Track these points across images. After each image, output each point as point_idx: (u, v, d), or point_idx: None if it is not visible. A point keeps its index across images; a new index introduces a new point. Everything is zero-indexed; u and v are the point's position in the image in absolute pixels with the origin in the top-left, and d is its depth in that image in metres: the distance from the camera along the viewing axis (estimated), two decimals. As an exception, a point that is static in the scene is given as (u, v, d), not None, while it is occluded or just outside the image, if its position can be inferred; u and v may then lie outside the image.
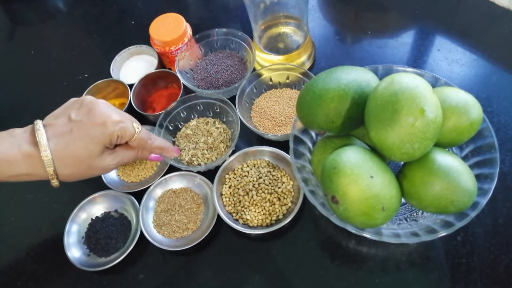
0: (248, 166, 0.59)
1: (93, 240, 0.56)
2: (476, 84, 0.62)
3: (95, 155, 0.47)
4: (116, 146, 0.50)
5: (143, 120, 0.66)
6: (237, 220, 0.55)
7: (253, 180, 0.57)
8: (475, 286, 0.47)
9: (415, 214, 0.49)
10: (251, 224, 0.54)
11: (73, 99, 0.49)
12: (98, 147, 0.46)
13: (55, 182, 0.47)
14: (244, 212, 0.55)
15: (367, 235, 0.42)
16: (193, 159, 0.60)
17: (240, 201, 0.56)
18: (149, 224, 0.56)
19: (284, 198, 0.55)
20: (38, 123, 0.46)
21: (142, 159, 0.54)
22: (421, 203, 0.42)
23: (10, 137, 0.45)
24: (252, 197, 0.55)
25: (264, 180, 0.56)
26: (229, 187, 0.57)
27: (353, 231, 0.43)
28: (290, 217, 0.52)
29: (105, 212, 0.59)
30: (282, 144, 0.59)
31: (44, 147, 0.44)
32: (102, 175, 0.60)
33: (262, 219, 0.54)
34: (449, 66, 0.64)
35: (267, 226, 0.54)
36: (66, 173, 0.47)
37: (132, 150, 0.51)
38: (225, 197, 0.57)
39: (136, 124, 0.49)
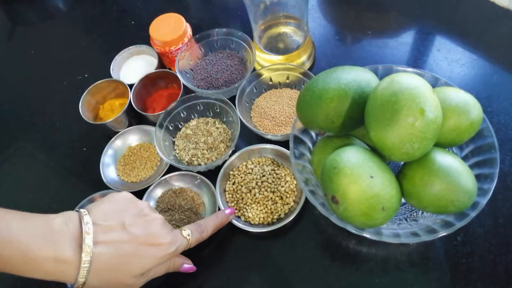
0: (252, 163, 0.59)
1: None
2: (476, 84, 0.62)
3: (133, 275, 0.41)
4: None
5: (143, 120, 0.67)
6: (238, 217, 0.55)
7: (256, 178, 0.57)
8: (475, 286, 0.47)
9: (415, 214, 0.49)
10: (252, 222, 0.54)
11: (126, 196, 0.44)
12: (144, 268, 0.42)
13: None
14: (246, 209, 0.55)
15: (367, 235, 0.42)
16: (193, 159, 0.60)
17: (242, 198, 0.56)
18: (149, 224, 0.56)
19: (286, 198, 0.55)
20: (87, 221, 0.39)
21: (173, 271, 0.48)
22: (421, 203, 0.42)
23: (46, 229, 0.38)
24: (254, 194, 0.56)
25: (267, 179, 0.57)
26: (233, 184, 0.58)
27: (353, 231, 0.43)
28: (291, 216, 0.52)
29: (105, 212, 0.59)
30: (287, 143, 0.59)
31: (88, 254, 0.38)
32: (102, 174, 0.60)
33: (263, 217, 0.54)
34: (449, 66, 0.64)
35: (268, 224, 0.54)
36: (94, 285, 0.40)
37: (163, 264, 0.45)
38: (228, 194, 0.57)
39: (185, 232, 0.46)
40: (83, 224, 0.39)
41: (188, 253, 0.53)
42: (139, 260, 0.41)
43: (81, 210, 0.41)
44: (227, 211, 0.52)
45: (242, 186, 0.57)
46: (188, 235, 0.46)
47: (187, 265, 0.49)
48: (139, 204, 0.44)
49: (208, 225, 0.49)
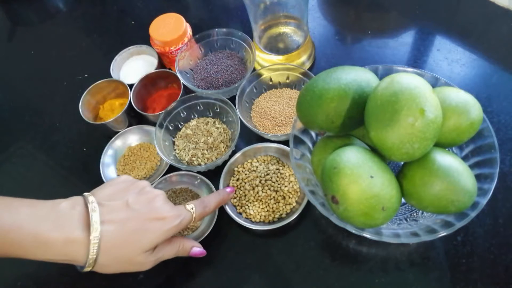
0: (258, 161, 0.59)
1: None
2: (476, 84, 0.62)
3: (142, 251, 0.42)
4: None
5: (143, 120, 0.67)
6: (240, 213, 0.55)
7: (260, 176, 0.57)
8: (475, 286, 0.47)
9: (415, 214, 0.49)
10: (253, 220, 0.54)
11: (126, 178, 0.46)
12: (151, 243, 0.43)
13: (87, 270, 0.42)
14: (248, 206, 0.55)
15: (367, 235, 0.42)
16: (193, 159, 0.60)
17: (245, 195, 0.56)
18: (149, 224, 0.56)
19: (289, 198, 0.55)
20: (92, 201, 0.41)
21: (183, 254, 0.48)
22: (421, 203, 0.42)
23: (54, 212, 0.40)
24: (257, 192, 0.56)
25: (271, 177, 0.57)
26: (237, 180, 0.58)
27: (353, 231, 0.43)
28: (293, 216, 0.52)
29: (105, 212, 0.59)
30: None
31: (96, 232, 0.39)
32: (102, 174, 0.60)
33: (265, 216, 0.54)
34: (449, 66, 0.64)
35: (269, 223, 0.54)
36: (104, 263, 0.41)
37: (172, 245, 0.46)
38: None
39: (189, 206, 0.47)
40: (88, 203, 0.41)
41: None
42: (146, 234, 0.42)
43: (85, 193, 0.43)
44: (228, 189, 0.54)
45: (245, 183, 0.57)
46: (192, 209, 0.47)
47: (197, 249, 0.49)
48: (139, 184, 0.46)
49: (210, 201, 0.50)
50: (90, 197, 0.42)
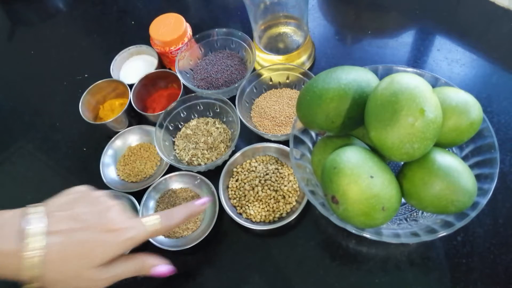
0: (256, 161, 0.59)
1: (93, 240, 0.56)
2: (476, 84, 0.62)
3: (92, 265, 0.39)
4: None
5: (143, 120, 0.67)
6: (240, 214, 0.55)
7: (259, 176, 0.57)
8: (475, 286, 0.47)
9: (415, 214, 0.49)
10: (254, 220, 0.54)
11: (81, 188, 0.43)
12: (102, 257, 0.39)
13: (32, 286, 0.38)
14: (248, 206, 0.55)
15: (367, 235, 0.42)
16: (193, 159, 0.60)
17: (245, 196, 0.56)
18: (149, 224, 0.56)
19: (289, 197, 0.55)
20: (34, 212, 0.39)
21: (144, 274, 0.43)
22: (421, 203, 0.42)
23: None
24: (257, 192, 0.56)
25: (270, 177, 0.57)
26: (236, 181, 0.58)
27: (353, 231, 0.43)
28: (293, 216, 0.52)
29: (105, 212, 0.59)
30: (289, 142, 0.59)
31: (31, 244, 0.37)
32: (102, 174, 0.60)
33: (265, 215, 0.54)
34: (449, 66, 0.64)
35: (270, 223, 0.54)
36: (51, 279, 0.38)
37: (131, 262, 0.42)
38: (231, 190, 0.57)
39: (153, 217, 0.42)
40: (27, 214, 0.38)
41: (188, 251, 0.53)
42: (96, 247, 0.39)
43: (31, 205, 0.41)
44: (199, 202, 0.46)
45: (245, 183, 0.57)
46: (151, 221, 0.42)
47: (162, 267, 0.43)
48: (94, 194, 0.43)
49: (179, 214, 0.45)
50: (34, 208, 0.40)
